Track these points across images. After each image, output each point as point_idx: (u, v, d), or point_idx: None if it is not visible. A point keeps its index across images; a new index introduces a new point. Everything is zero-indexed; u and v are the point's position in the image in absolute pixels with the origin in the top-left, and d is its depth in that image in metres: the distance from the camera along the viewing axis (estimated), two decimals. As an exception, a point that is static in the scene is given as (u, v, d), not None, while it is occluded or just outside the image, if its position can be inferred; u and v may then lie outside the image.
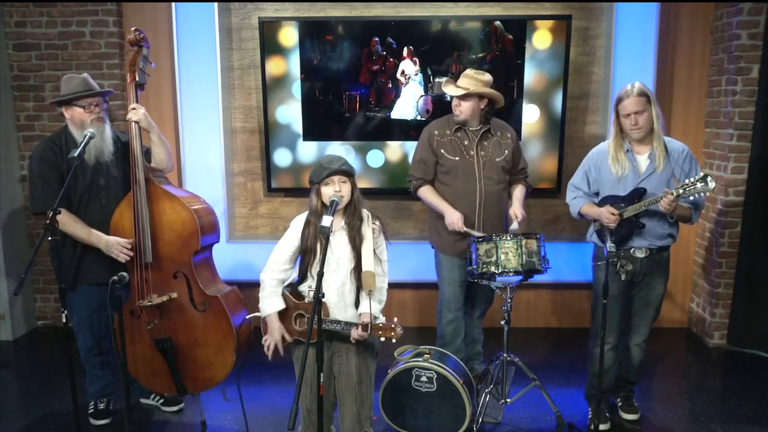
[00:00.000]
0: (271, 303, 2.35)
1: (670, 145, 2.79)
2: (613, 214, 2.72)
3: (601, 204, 2.85)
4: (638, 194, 2.74)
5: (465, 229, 3.01)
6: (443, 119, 3.19)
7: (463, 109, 3.02)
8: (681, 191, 2.59)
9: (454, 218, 3.01)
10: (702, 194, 2.61)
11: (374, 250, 2.33)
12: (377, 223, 2.38)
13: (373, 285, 2.25)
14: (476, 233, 3.00)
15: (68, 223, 2.77)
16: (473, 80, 2.99)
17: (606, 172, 2.84)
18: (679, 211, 2.68)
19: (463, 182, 3.08)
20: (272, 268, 2.38)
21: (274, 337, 2.34)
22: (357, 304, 2.35)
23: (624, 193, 2.78)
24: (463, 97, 3.00)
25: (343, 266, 2.31)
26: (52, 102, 2.90)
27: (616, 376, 3.07)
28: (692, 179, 2.59)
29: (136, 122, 2.79)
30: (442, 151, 3.10)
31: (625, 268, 2.61)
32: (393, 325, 2.21)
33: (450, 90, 3.03)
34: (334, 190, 2.26)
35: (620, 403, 3.15)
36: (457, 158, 3.08)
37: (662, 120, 2.76)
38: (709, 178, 2.55)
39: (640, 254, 2.82)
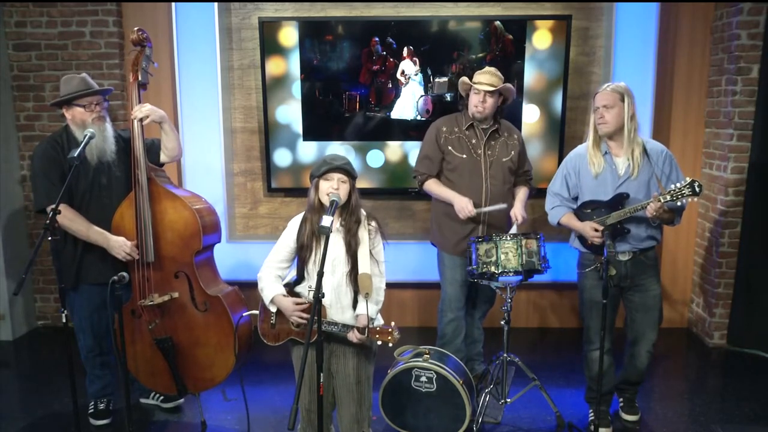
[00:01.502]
0: (272, 288, 2.35)
1: (648, 146, 2.76)
2: (596, 230, 2.70)
3: (580, 208, 2.82)
4: (621, 200, 2.71)
5: (476, 211, 3.00)
6: (452, 116, 3.19)
7: (488, 106, 3.01)
8: (668, 197, 2.56)
9: (463, 203, 3.00)
10: (690, 200, 2.56)
11: (371, 251, 2.33)
12: (373, 223, 2.38)
13: (369, 287, 2.25)
14: (490, 208, 3.01)
15: (69, 217, 2.76)
16: (495, 77, 3.00)
17: (585, 175, 2.80)
18: (663, 216, 2.66)
19: (470, 181, 3.07)
20: (269, 266, 2.40)
21: (291, 310, 2.30)
22: (354, 305, 2.35)
23: (604, 197, 2.75)
24: (490, 94, 2.98)
25: (338, 268, 2.31)
26: (52, 103, 2.90)
27: (621, 379, 3.06)
28: (679, 185, 2.55)
29: (146, 117, 2.77)
30: (450, 148, 3.10)
31: (609, 274, 2.60)
32: (390, 329, 2.21)
33: (482, 86, 2.96)
34: (332, 187, 2.26)
35: (622, 404, 3.14)
36: (465, 156, 3.08)
37: (638, 121, 2.72)
38: (696, 185, 2.51)
39: (623, 257, 2.78)
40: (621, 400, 3.15)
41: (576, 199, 2.88)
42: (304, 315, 2.30)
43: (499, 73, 3.03)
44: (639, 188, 2.72)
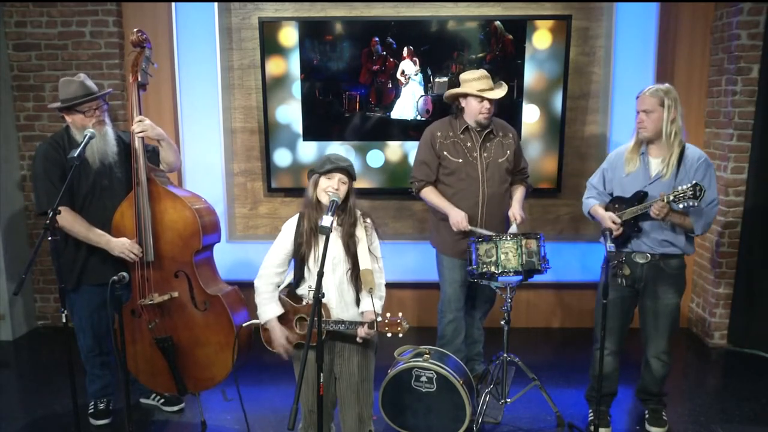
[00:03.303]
0: (269, 309, 2.35)
1: (688, 151, 2.71)
2: (614, 222, 2.72)
3: (610, 204, 2.85)
4: (638, 197, 2.71)
5: (470, 227, 3.00)
6: (445, 120, 3.17)
7: (493, 111, 3.02)
8: (672, 197, 2.55)
9: (458, 217, 3.01)
10: (692, 203, 2.53)
11: (368, 248, 2.34)
12: (368, 220, 2.40)
13: (372, 282, 2.27)
14: (482, 231, 3.00)
15: (68, 220, 2.76)
16: (490, 79, 3.00)
17: (619, 172, 2.82)
18: (673, 219, 2.64)
19: (466, 184, 3.07)
20: (266, 272, 2.38)
21: (279, 342, 2.33)
22: (357, 302, 2.35)
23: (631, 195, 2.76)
24: (492, 101, 2.99)
25: (339, 266, 2.32)
26: (51, 106, 2.91)
27: (640, 387, 3.04)
28: (684, 187, 2.53)
29: (143, 133, 2.78)
30: (445, 152, 3.09)
31: (623, 272, 2.58)
32: (399, 321, 2.21)
33: (491, 95, 2.96)
34: (333, 187, 2.26)
35: (647, 416, 3.05)
36: (460, 160, 3.07)
37: (680, 125, 2.65)
38: (698, 189, 2.49)
39: (640, 260, 2.77)
40: (646, 411, 3.07)
41: (611, 194, 2.90)
42: (290, 350, 2.34)
43: (486, 72, 3.03)
44: (665, 191, 2.67)
